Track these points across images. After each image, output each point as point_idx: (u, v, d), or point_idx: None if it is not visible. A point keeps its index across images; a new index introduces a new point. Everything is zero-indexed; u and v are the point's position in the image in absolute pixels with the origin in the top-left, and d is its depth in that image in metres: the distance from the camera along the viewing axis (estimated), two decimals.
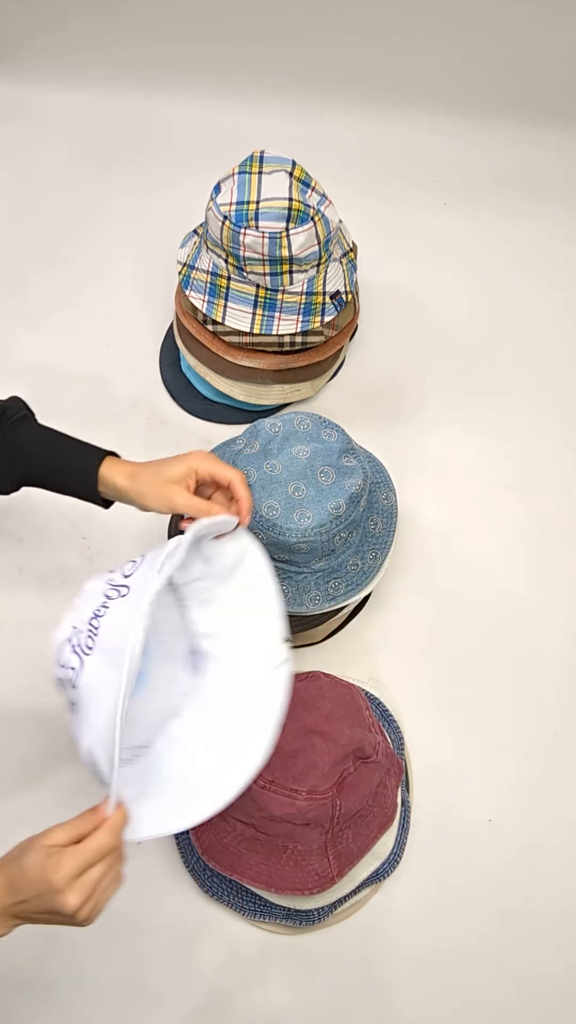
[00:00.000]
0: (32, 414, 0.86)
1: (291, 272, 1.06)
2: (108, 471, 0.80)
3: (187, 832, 0.95)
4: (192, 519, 0.76)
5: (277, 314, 1.10)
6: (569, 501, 1.20)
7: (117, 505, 1.18)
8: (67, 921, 0.61)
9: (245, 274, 1.07)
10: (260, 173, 1.03)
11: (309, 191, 1.05)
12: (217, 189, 1.05)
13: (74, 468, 0.81)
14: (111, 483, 0.80)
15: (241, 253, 1.04)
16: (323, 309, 1.11)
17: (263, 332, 1.11)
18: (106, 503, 0.84)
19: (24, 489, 1.22)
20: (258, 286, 1.08)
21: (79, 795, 1.00)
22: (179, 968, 0.93)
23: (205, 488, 0.81)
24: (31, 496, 1.17)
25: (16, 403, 0.85)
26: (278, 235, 1.01)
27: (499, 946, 0.94)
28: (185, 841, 0.95)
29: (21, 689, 1.05)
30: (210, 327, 1.14)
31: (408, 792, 0.99)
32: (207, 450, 0.90)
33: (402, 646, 1.09)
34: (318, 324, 1.12)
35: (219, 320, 1.11)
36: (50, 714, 1.04)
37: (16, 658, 1.07)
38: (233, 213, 1.02)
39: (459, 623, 1.11)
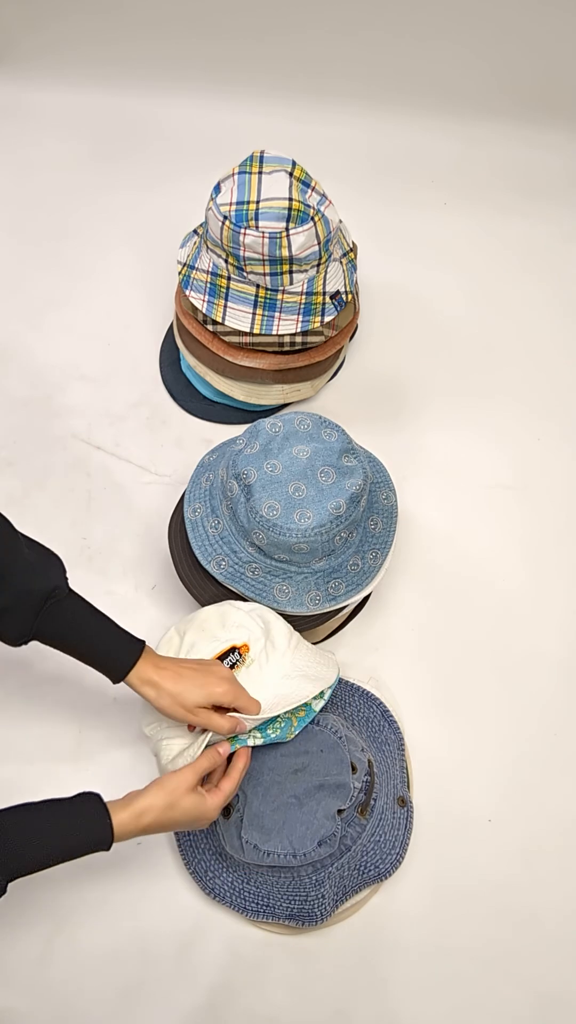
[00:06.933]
0: (69, 589, 0.87)
1: (291, 272, 1.06)
2: (135, 679, 0.85)
3: (188, 833, 0.96)
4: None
5: (277, 314, 1.10)
6: (569, 501, 1.20)
7: (115, 504, 1.19)
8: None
9: (245, 274, 1.07)
10: (260, 173, 1.03)
11: (309, 191, 1.05)
12: (217, 189, 1.05)
13: (106, 665, 0.85)
14: (135, 688, 0.85)
15: (241, 253, 1.04)
16: (323, 309, 1.11)
17: (263, 332, 1.11)
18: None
19: (23, 489, 1.22)
20: (258, 286, 1.08)
21: None
22: (179, 968, 0.93)
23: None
24: (31, 497, 1.18)
25: (60, 579, 0.85)
26: (278, 235, 1.01)
27: (499, 946, 0.94)
28: (186, 842, 0.95)
29: (15, 689, 1.05)
30: (210, 327, 1.14)
31: (408, 792, 0.99)
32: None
33: (402, 646, 1.09)
34: (318, 324, 1.12)
35: (219, 320, 1.11)
36: (46, 714, 1.04)
37: (14, 657, 1.07)
38: (233, 213, 1.02)
39: (459, 623, 1.11)
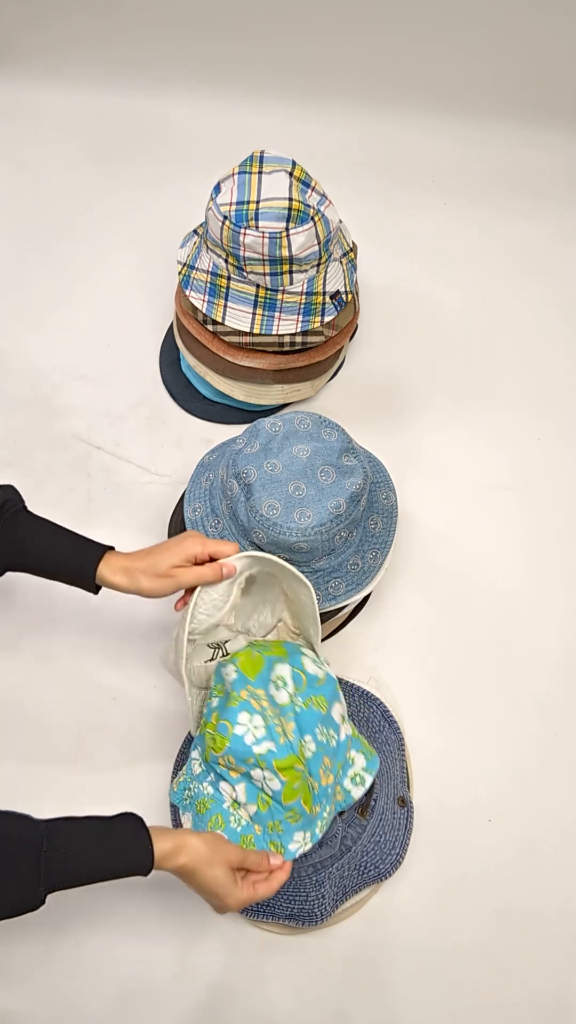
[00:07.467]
0: (25, 506, 0.87)
1: (291, 272, 1.06)
2: (105, 571, 0.83)
3: None
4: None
5: (277, 314, 1.10)
6: (569, 501, 1.20)
7: (115, 504, 1.19)
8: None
9: (245, 274, 1.07)
10: (260, 173, 1.03)
11: (309, 191, 1.05)
12: (217, 189, 1.05)
13: (71, 568, 0.84)
14: (109, 583, 0.83)
15: (241, 253, 1.04)
16: (323, 309, 1.12)
17: (263, 332, 1.11)
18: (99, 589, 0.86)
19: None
20: (258, 286, 1.08)
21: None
22: (179, 968, 0.93)
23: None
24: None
25: (12, 494, 0.85)
26: (278, 235, 1.01)
27: (499, 946, 0.94)
28: None
29: (16, 687, 1.05)
30: (210, 327, 1.14)
31: (408, 792, 0.99)
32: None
33: (402, 646, 1.09)
34: (318, 324, 1.12)
35: (219, 320, 1.11)
36: (46, 714, 1.04)
37: (13, 657, 1.07)
38: (233, 213, 1.02)
39: (459, 623, 1.11)
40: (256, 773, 0.82)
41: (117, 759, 1.02)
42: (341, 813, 0.91)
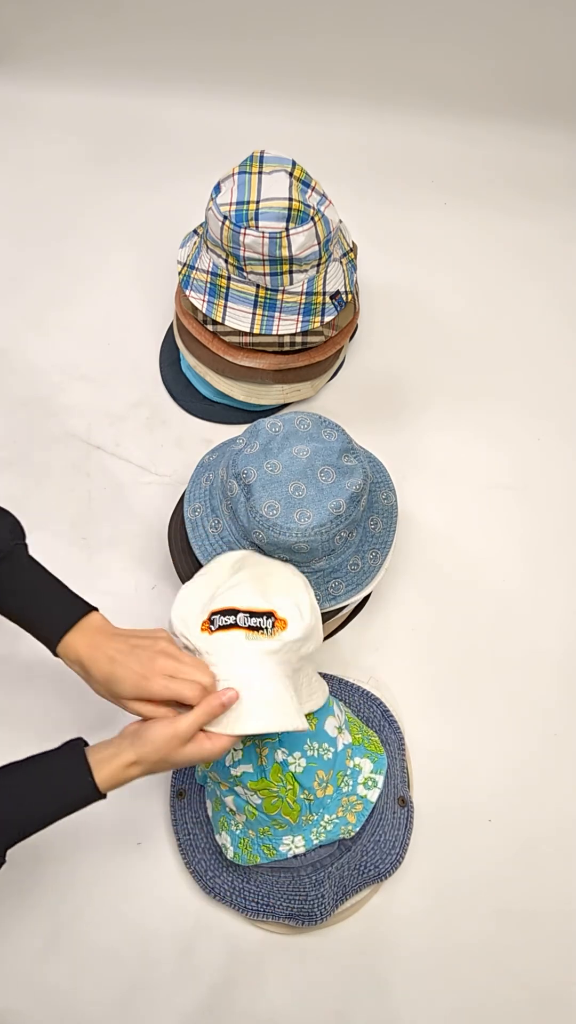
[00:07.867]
0: (23, 543, 0.83)
1: (291, 272, 1.06)
2: (63, 656, 0.79)
3: (188, 832, 0.96)
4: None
5: (277, 314, 1.10)
6: (569, 501, 1.20)
7: (115, 504, 1.18)
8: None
9: (245, 274, 1.07)
10: (260, 173, 1.03)
11: (309, 191, 1.05)
12: (217, 189, 1.05)
13: (38, 631, 0.81)
14: (66, 662, 0.80)
15: (241, 253, 1.04)
16: (323, 309, 1.11)
17: (263, 332, 1.11)
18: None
19: (23, 489, 1.22)
20: (258, 286, 1.08)
21: None
22: (179, 968, 0.93)
23: None
24: (31, 497, 1.18)
25: (5, 534, 0.81)
26: (278, 235, 1.01)
27: (499, 946, 0.94)
28: (186, 841, 0.95)
29: (15, 692, 1.05)
30: (210, 327, 1.14)
31: (409, 792, 0.99)
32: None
33: (402, 646, 1.09)
34: (318, 324, 1.12)
35: (219, 320, 1.11)
36: (46, 716, 1.04)
37: (13, 658, 1.07)
38: (233, 213, 1.02)
39: (459, 623, 1.11)
40: (239, 789, 0.87)
41: None
42: (370, 817, 0.92)
